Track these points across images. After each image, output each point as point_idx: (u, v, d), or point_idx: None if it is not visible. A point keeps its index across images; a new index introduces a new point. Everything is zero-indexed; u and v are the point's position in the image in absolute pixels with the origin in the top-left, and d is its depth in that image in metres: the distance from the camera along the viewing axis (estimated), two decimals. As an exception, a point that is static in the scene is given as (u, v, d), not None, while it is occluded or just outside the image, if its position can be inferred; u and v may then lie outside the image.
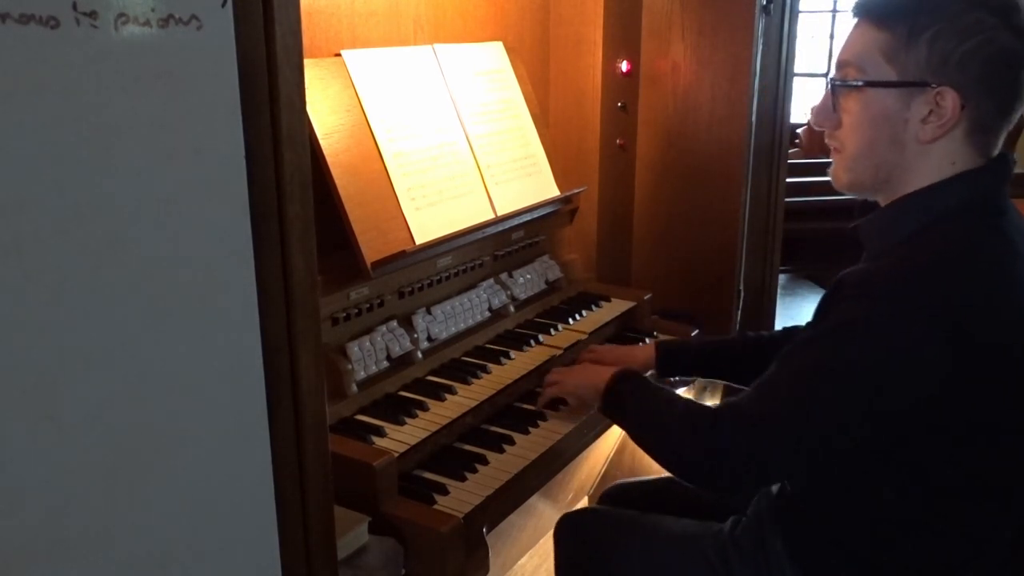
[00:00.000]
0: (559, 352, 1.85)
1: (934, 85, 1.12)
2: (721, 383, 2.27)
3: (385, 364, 1.63)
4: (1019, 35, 1.10)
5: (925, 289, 1.08)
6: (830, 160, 1.28)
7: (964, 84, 1.11)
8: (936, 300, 1.07)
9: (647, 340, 2.05)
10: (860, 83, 1.18)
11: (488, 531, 1.36)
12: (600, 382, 1.47)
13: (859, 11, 1.19)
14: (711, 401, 2.30)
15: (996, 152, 1.18)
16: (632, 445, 2.20)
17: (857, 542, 1.24)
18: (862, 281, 1.13)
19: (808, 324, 1.24)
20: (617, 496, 1.76)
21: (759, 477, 1.24)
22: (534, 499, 1.59)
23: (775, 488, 1.40)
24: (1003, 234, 1.13)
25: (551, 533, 1.64)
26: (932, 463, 1.15)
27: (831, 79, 1.24)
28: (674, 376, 1.77)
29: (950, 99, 1.12)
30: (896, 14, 1.14)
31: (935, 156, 1.16)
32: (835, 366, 1.12)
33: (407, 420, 1.52)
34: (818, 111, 1.25)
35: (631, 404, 1.40)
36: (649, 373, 1.71)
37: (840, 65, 1.21)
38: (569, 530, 1.57)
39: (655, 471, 1.46)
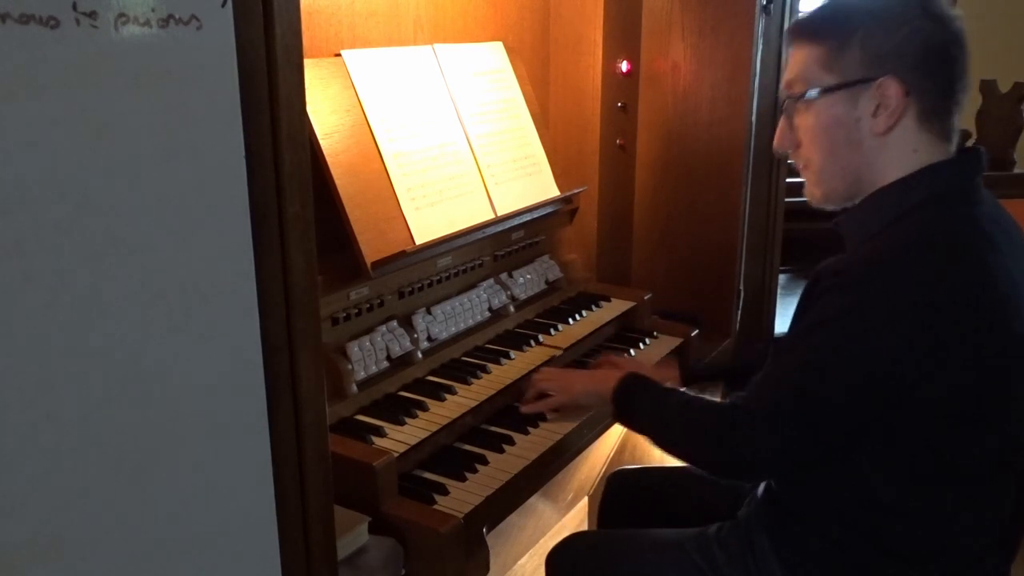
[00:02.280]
0: (559, 352, 1.85)
1: (875, 78, 1.18)
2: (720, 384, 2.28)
3: (385, 364, 1.63)
4: (938, 21, 1.18)
5: (900, 275, 1.13)
6: None
7: (903, 72, 1.18)
8: (910, 285, 1.12)
9: (647, 340, 2.06)
10: (808, 93, 1.24)
11: (488, 531, 1.36)
12: (605, 388, 1.49)
13: (792, 35, 1.28)
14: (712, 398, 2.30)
15: (954, 134, 1.23)
16: (632, 445, 2.21)
17: (840, 531, 1.26)
18: (840, 272, 1.18)
19: (792, 318, 1.28)
20: (621, 484, 1.77)
21: (772, 465, 1.30)
22: (534, 499, 1.59)
23: (761, 488, 1.41)
24: (975, 222, 1.17)
25: (551, 534, 1.64)
26: (918, 450, 1.17)
27: (781, 100, 1.31)
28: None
29: (893, 88, 1.18)
30: (825, 27, 1.23)
31: (894, 146, 1.22)
32: (824, 357, 1.17)
33: (407, 420, 1.51)
34: (777, 136, 1.33)
35: (643, 409, 1.44)
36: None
37: (786, 87, 1.29)
38: (559, 560, 1.58)
39: (656, 463, 1.47)
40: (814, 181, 1.31)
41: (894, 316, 1.11)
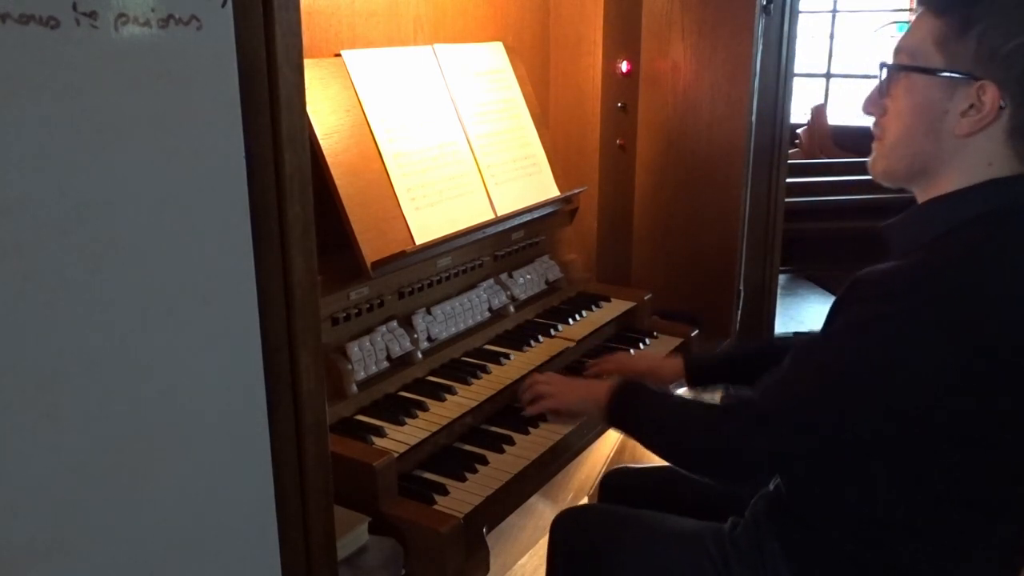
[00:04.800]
0: (559, 352, 1.85)
1: (978, 78, 1.11)
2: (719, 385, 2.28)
3: (385, 364, 1.63)
4: None
5: (942, 291, 1.09)
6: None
7: (1007, 82, 1.10)
8: (952, 302, 1.08)
9: (647, 341, 2.06)
10: (906, 67, 1.18)
11: (488, 531, 1.36)
12: (600, 395, 1.47)
13: (921, 1, 1.19)
14: (711, 399, 2.30)
15: None
16: (632, 445, 2.21)
17: (850, 543, 1.25)
18: (880, 281, 1.14)
19: (824, 322, 1.25)
20: (618, 483, 1.76)
21: (775, 468, 1.28)
22: (534, 499, 1.59)
23: (771, 489, 1.41)
24: None
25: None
26: (930, 468, 1.15)
27: (882, 62, 1.23)
28: (704, 386, 1.78)
29: (990, 95, 1.11)
30: (954, 3, 1.14)
31: (972, 153, 1.15)
32: (850, 363, 1.14)
33: (407, 420, 1.51)
34: (867, 97, 1.26)
35: (639, 413, 1.42)
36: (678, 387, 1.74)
37: (895, 52, 1.22)
38: (567, 526, 1.57)
39: (656, 464, 1.46)
40: (883, 153, 1.24)
41: (931, 330, 1.08)
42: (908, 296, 1.10)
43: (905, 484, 1.17)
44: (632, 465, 1.85)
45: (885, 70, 1.22)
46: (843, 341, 1.15)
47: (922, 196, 1.23)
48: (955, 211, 1.16)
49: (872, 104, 1.25)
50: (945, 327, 1.07)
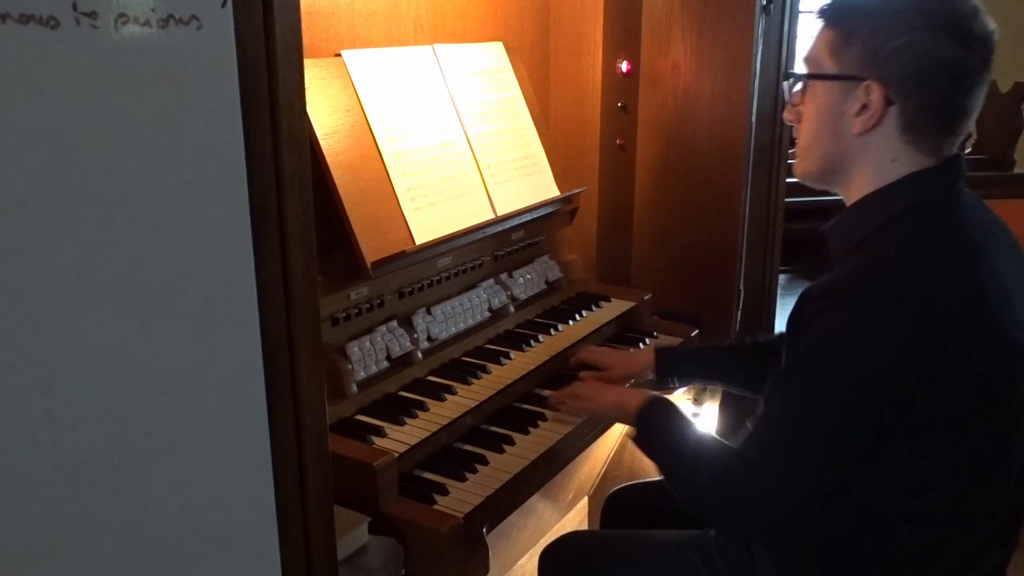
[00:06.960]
0: (559, 352, 1.85)
1: (864, 79, 1.18)
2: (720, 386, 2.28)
3: (385, 364, 1.63)
4: (948, 39, 1.14)
5: (887, 288, 1.12)
6: None
7: (890, 80, 1.17)
8: (898, 298, 1.11)
9: (647, 341, 2.06)
10: (804, 76, 1.27)
11: (488, 531, 1.36)
12: (630, 407, 1.46)
13: (818, 14, 1.28)
14: (710, 404, 2.30)
15: (944, 154, 1.21)
16: (632, 446, 2.21)
17: (833, 539, 1.25)
18: (826, 292, 1.18)
19: (785, 347, 1.27)
20: (619, 500, 1.76)
21: (794, 511, 1.25)
22: (534, 499, 1.59)
23: None
24: (959, 229, 1.17)
25: (550, 534, 1.64)
26: (908, 457, 1.16)
27: (786, 72, 1.30)
28: (673, 380, 1.78)
29: (876, 93, 1.18)
30: (841, 14, 1.23)
31: (873, 151, 1.22)
32: (824, 382, 1.16)
33: (407, 420, 1.51)
34: (787, 108, 1.35)
35: (656, 442, 1.40)
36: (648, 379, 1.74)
37: (804, 62, 1.30)
38: (554, 558, 1.57)
39: (654, 473, 1.46)
40: (799, 155, 1.33)
41: (886, 329, 1.11)
42: (855, 299, 1.14)
43: (887, 476, 1.18)
44: (630, 483, 1.84)
45: (793, 80, 1.31)
46: (812, 362, 1.17)
47: (846, 198, 1.29)
48: (882, 208, 1.21)
49: (789, 112, 1.34)
50: (895, 323, 1.11)
